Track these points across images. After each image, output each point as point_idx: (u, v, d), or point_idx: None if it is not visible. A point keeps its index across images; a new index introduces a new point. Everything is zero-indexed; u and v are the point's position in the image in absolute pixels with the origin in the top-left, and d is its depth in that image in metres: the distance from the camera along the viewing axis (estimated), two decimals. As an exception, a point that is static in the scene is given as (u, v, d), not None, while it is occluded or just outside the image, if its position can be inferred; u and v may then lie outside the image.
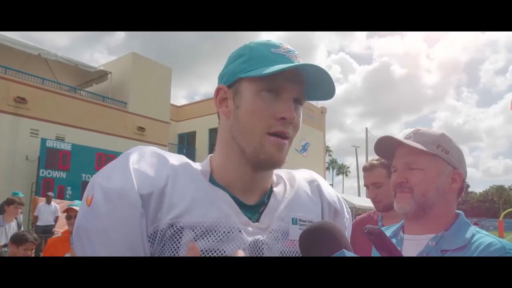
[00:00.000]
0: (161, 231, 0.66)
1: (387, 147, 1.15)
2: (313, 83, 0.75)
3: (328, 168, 56.48)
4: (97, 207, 0.65)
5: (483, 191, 66.89)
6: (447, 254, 0.99)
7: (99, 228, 0.64)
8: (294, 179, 0.85)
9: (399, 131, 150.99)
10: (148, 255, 0.66)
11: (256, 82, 0.72)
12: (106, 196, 0.65)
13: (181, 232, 0.67)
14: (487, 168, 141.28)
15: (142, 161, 0.71)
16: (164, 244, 0.67)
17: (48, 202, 8.50)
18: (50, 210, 8.46)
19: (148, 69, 16.14)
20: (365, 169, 2.01)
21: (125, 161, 0.70)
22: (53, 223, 8.50)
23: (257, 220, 0.73)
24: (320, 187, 0.87)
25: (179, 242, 0.66)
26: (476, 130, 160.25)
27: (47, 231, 8.10)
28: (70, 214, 3.19)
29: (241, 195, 0.75)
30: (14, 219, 5.11)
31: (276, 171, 0.84)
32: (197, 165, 0.78)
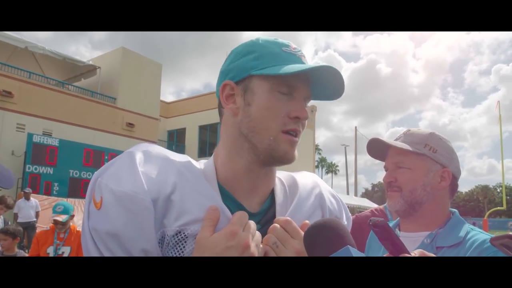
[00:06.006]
0: (168, 237, 0.66)
1: (379, 148, 1.19)
2: (319, 83, 0.76)
3: (317, 167, 56.90)
4: (108, 211, 0.64)
5: (468, 191, 68.07)
6: (442, 251, 1.01)
7: (113, 232, 0.63)
8: (296, 187, 0.83)
9: (385, 130, 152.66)
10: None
11: (270, 80, 0.72)
12: (118, 200, 0.63)
13: (185, 241, 0.67)
14: (472, 168, 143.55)
15: (148, 163, 0.69)
16: (168, 252, 0.67)
17: (27, 198, 8.31)
18: (30, 206, 8.27)
19: (138, 64, 15.98)
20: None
21: (132, 161, 0.68)
22: (35, 219, 8.32)
23: (259, 230, 0.72)
24: (322, 195, 0.85)
25: (182, 251, 0.67)
26: (461, 130, 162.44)
27: (29, 227, 7.89)
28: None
29: (244, 199, 0.75)
30: (1, 216, 5.02)
31: (278, 174, 0.83)
32: (201, 166, 0.76)
